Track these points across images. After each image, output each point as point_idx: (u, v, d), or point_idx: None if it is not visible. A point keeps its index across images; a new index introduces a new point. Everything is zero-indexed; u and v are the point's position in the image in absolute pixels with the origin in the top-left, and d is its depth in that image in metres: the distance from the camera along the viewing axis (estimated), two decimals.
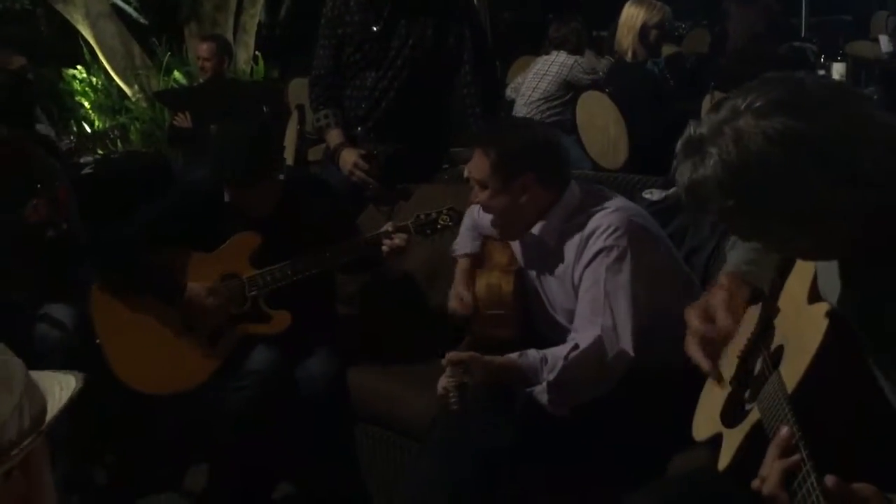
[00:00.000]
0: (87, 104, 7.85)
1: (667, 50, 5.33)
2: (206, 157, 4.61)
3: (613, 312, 2.17)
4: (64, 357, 2.82)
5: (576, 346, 2.16)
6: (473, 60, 3.41)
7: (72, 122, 7.55)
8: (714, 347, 1.69)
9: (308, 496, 3.00)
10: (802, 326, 1.48)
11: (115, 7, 8.08)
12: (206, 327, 2.77)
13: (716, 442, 1.58)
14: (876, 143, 1.24)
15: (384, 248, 2.75)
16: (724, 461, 1.51)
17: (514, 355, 2.18)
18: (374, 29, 3.39)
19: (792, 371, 1.41)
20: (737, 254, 1.79)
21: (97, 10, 7.46)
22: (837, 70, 5.04)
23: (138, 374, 2.76)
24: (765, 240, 1.44)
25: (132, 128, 7.31)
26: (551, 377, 2.13)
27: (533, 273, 2.44)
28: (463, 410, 2.09)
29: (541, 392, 2.14)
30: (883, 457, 1.36)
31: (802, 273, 1.58)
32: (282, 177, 2.77)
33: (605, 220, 2.25)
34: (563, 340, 2.26)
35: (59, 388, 0.96)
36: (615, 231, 2.22)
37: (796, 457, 1.22)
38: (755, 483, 1.27)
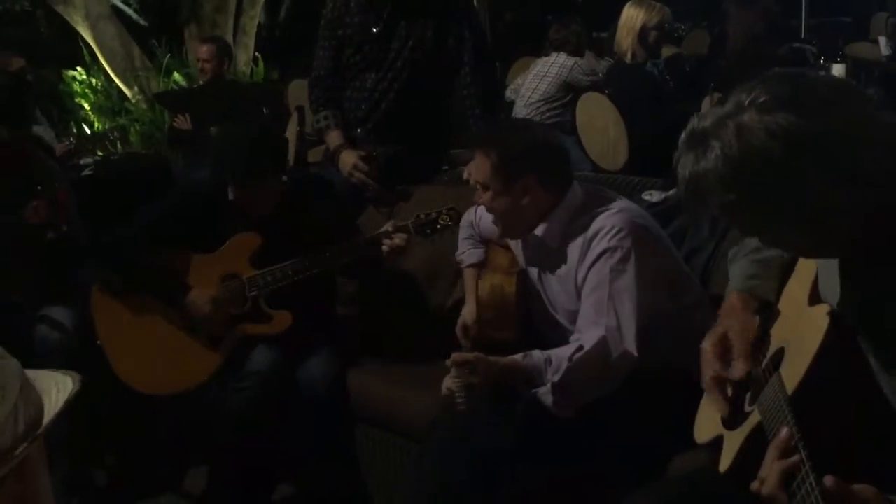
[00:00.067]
0: (86, 106, 7.86)
1: (666, 51, 5.33)
2: (206, 159, 4.64)
3: (617, 313, 2.17)
4: (64, 358, 2.82)
5: (580, 348, 2.16)
6: (473, 62, 3.41)
7: (72, 123, 7.55)
8: (732, 388, 1.64)
9: (308, 497, 3.00)
10: (803, 328, 1.48)
11: (115, 9, 8.09)
12: (206, 328, 2.77)
13: (717, 444, 1.58)
14: (877, 143, 1.24)
15: (384, 247, 2.75)
16: (724, 463, 1.51)
17: (518, 356, 2.18)
18: (374, 30, 3.39)
19: (792, 372, 1.41)
20: (739, 268, 1.78)
21: (97, 11, 7.46)
22: (837, 71, 5.04)
23: (139, 374, 2.77)
24: (763, 236, 1.44)
25: (132, 129, 7.32)
26: (556, 378, 2.13)
27: (534, 274, 2.45)
28: (470, 411, 2.09)
29: (545, 393, 2.14)
30: (883, 458, 1.36)
31: (803, 275, 1.58)
32: (284, 178, 2.78)
33: (609, 221, 2.25)
34: (564, 341, 2.26)
35: (56, 389, 0.94)
36: (619, 232, 2.22)
37: (795, 458, 1.22)
38: (754, 485, 1.27)
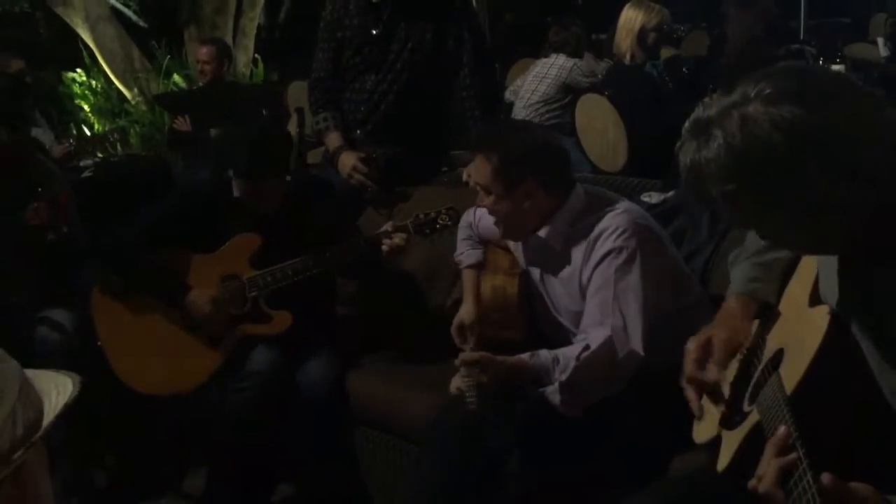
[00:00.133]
0: (86, 107, 7.86)
1: (665, 52, 5.34)
2: (206, 160, 4.65)
3: (623, 313, 2.18)
4: (64, 360, 2.82)
5: (587, 347, 2.17)
6: (472, 63, 3.41)
7: (71, 125, 7.55)
8: (708, 391, 1.69)
9: (308, 499, 3.00)
10: (803, 329, 1.48)
11: (115, 10, 8.08)
12: (206, 328, 2.77)
13: (716, 445, 1.58)
14: (880, 141, 1.24)
15: (384, 247, 2.75)
16: (722, 462, 1.51)
17: (525, 355, 2.19)
18: (374, 32, 3.39)
19: (791, 373, 1.41)
20: (741, 271, 1.79)
21: (96, 13, 7.46)
22: None
23: (139, 374, 2.77)
24: (760, 228, 1.43)
25: (132, 131, 7.32)
26: (563, 377, 2.14)
27: (536, 275, 2.45)
28: (480, 409, 2.10)
29: (553, 392, 2.15)
30: (882, 458, 1.36)
31: (804, 277, 1.59)
32: (288, 177, 2.79)
33: (613, 221, 2.26)
34: (566, 342, 2.27)
35: (56, 392, 0.93)
36: (623, 232, 2.23)
37: (793, 455, 1.22)
38: (752, 483, 1.27)
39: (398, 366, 2.91)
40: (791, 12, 9.29)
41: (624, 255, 2.21)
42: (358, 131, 3.48)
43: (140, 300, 2.80)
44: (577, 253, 2.30)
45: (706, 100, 1.35)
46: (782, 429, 1.26)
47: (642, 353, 2.17)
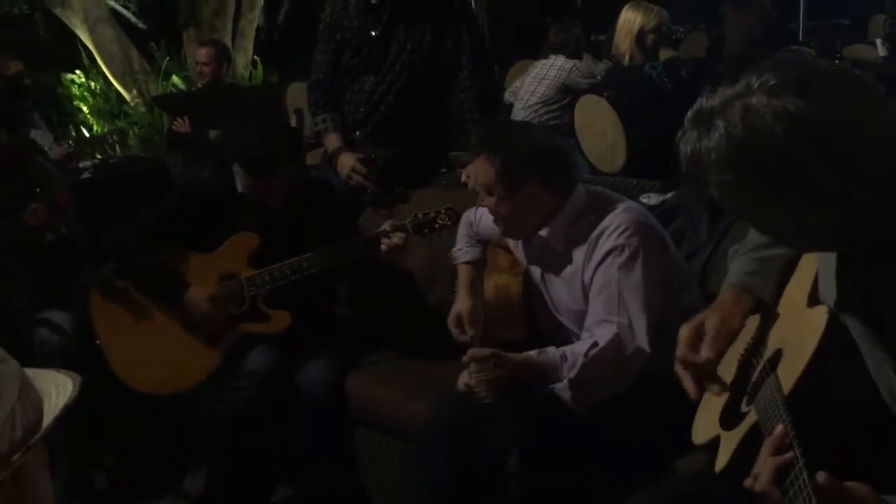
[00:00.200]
0: (85, 109, 7.86)
1: (664, 54, 5.33)
2: (204, 162, 4.65)
3: (628, 311, 2.19)
4: (63, 361, 2.82)
5: (595, 344, 2.17)
6: (472, 65, 3.41)
7: (70, 126, 7.56)
8: (701, 372, 1.68)
9: (307, 500, 3.00)
10: (801, 330, 1.48)
11: (114, 12, 8.08)
12: (205, 326, 2.77)
13: (715, 445, 1.58)
14: (881, 140, 1.23)
15: (382, 247, 2.76)
16: (721, 462, 1.51)
17: (533, 352, 2.20)
18: (373, 33, 3.39)
19: (789, 372, 1.41)
20: (738, 264, 1.79)
21: (95, 14, 7.46)
22: None
23: (139, 373, 2.77)
24: (756, 220, 1.42)
25: (131, 132, 7.32)
26: (572, 374, 2.15)
27: (537, 275, 2.45)
28: (497, 403, 2.09)
29: (563, 389, 2.15)
30: (880, 458, 1.36)
31: (803, 277, 1.59)
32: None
33: (615, 219, 2.26)
34: (566, 341, 2.28)
35: (56, 393, 0.93)
36: (625, 230, 2.23)
37: (789, 454, 1.22)
38: (748, 481, 1.27)
39: (398, 366, 2.91)
40: (790, 14, 9.28)
41: (627, 253, 2.22)
42: (357, 132, 3.48)
43: (139, 299, 2.81)
44: (579, 252, 2.30)
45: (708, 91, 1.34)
46: (779, 427, 1.26)
47: (648, 350, 2.17)
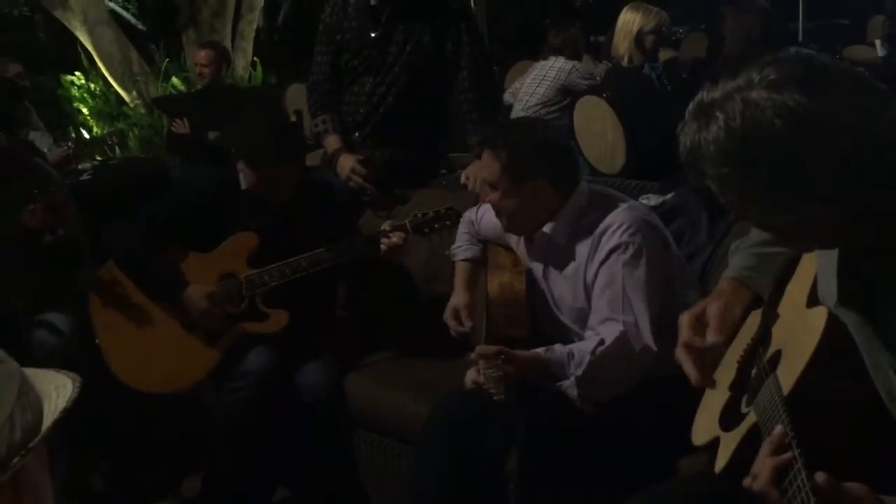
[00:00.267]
0: (85, 110, 7.87)
1: (664, 55, 5.34)
2: (204, 163, 4.65)
3: (633, 309, 2.19)
4: (62, 362, 2.81)
5: (602, 342, 2.17)
6: (471, 66, 3.41)
7: (70, 128, 7.57)
8: (704, 358, 1.68)
9: (307, 501, 3.00)
10: (801, 331, 1.48)
11: (114, 13, 8.10)
12: (204, 325, 2.78)
13: (715, 446, 1.58)
14: (881, 139, 1.23)
15: (382, 246, 2.75)
16: (720, 463, 1.51)
17: (539, 350, 2.19)
18: (373, 35, 3.39)
19: (788, 373, 1.41)
20: (738, 259, 1.79)
21: (95, 16, 7.47)
22: None
23: (138, 372, 2.77)
24: (751, 214, 1.42)
25: (130, 134, 7.33)
26: (579, 372, 2.14)
27: (539, 272, 2.45)
28: (509, 399, 2.09)
29: (570, 386, 2.15)
30: (879, 459, 1.36)
31: (803, 278, 1.59)
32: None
33: (619, 217, 2.26)
34: (566, 340, 2.28)
35: (56, 394, 0.92)
36: (629, 228, 2.23)
37: (788, 455, 1.22)
38: (747, 481, 1.27)
39: (397, 368, 2.91)
40: (789, 14, 9.29)
41: (631, 251, 2.22)
42: (356, 134, 3.48)
43: (137, 298, 2.81)
44: (582, 249, 2.30)
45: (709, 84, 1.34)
46: (778, 428, 1.26)
47: (655, 348, 2.16)
